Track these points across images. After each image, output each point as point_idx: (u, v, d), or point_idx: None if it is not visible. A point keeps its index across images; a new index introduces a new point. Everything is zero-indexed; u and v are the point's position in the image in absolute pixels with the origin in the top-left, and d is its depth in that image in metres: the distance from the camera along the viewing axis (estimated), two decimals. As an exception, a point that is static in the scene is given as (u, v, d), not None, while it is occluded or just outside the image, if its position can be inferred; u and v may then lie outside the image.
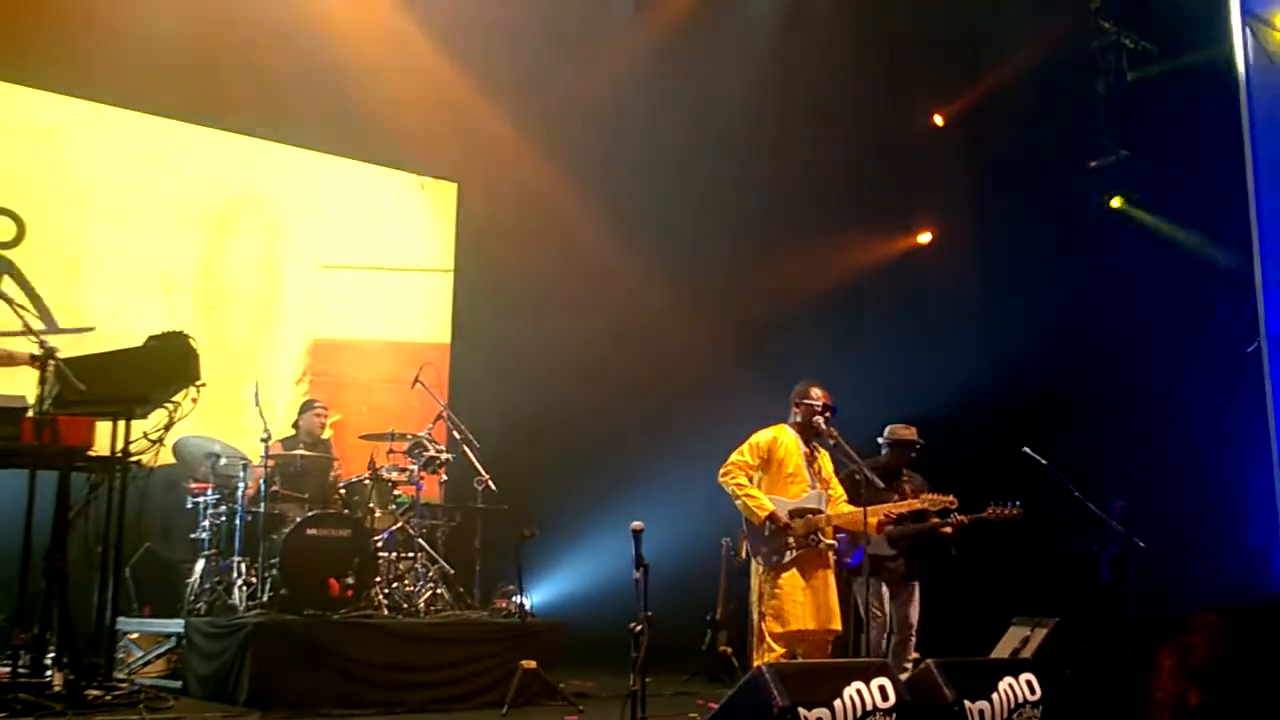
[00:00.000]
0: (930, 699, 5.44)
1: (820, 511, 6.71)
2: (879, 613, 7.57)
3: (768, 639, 6.60)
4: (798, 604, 6.57)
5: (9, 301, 5.61)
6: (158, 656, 7.88)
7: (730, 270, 11.98)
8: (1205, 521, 9.43)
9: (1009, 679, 5.73)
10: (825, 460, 7.04)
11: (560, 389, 11.41)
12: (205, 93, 10.21)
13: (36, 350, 5.39)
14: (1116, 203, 11.31)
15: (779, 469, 6.81)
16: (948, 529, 7.60)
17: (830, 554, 6.78)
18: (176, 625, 7.73)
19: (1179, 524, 9.43)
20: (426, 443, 8.89)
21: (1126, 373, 10.59)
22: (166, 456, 8.23)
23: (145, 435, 5.72)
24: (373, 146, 11.34)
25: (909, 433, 7.86)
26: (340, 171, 11.33)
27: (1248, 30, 9.15)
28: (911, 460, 7.85)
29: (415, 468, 8.76)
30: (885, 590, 7.62)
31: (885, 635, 7.53)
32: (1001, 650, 7.93)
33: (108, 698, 5.12)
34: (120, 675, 6.53)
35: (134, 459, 5.64)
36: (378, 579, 8.20)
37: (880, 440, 7.88)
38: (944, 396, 11.73)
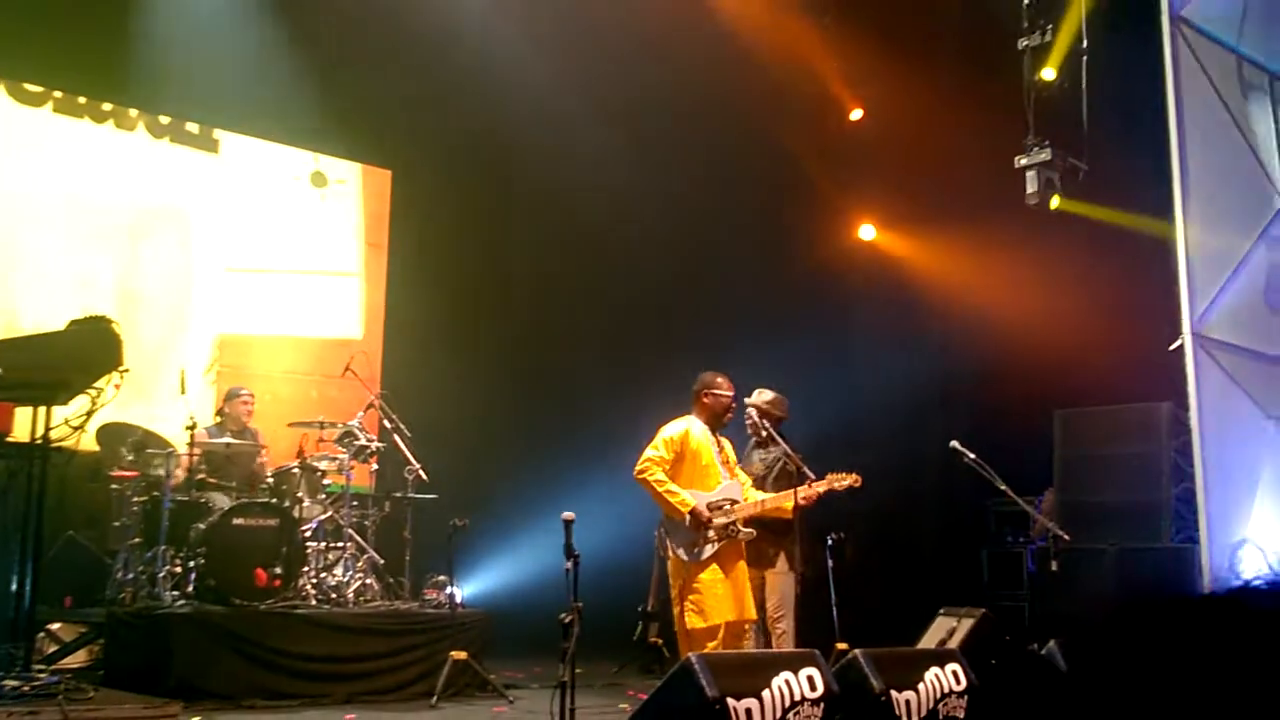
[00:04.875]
0: (857, 689, 5.48)
1: (737, 501, 6.72)
2: None
3: (691, 633, 6.60)
4: (719, 597, 6.56)
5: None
6: (79, 647, 7.75)
7: (654, 264, 12.00)
8: (1128, 517, 9.58)
9: (935, 669, 5.79)
10: (729, 449, 7.06)
11: (493, 379, 11.39)
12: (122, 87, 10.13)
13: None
14: (1056, 202, 11.43)
15: (694, 461, 6.77)
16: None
17: (744, 543, 6.81)
18: (98, 615, 7.60)
19: (1103, 518, 9.60)
20: (357, 431, 8.81)
21: (1055, 370, 10.74)
22: (89, 444, 8.12)
23: (67, 421, 5.58)
24: (291, 131, 11.24)
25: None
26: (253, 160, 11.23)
27: (1177, 31, 9.29)
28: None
29: (345, 456, 8.67)
30: None
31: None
32: (928, 641, 8.01)
33: (26, 688, 5.00)
34: (40, 666, 6.40)
35: (55, 445, 5.51)
36: (306, 569, 8.11)
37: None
38: (874, 396, 11.89)
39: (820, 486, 6.86)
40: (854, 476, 6.90)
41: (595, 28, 11.00)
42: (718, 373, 7.02)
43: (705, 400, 6.94)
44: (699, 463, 6.77)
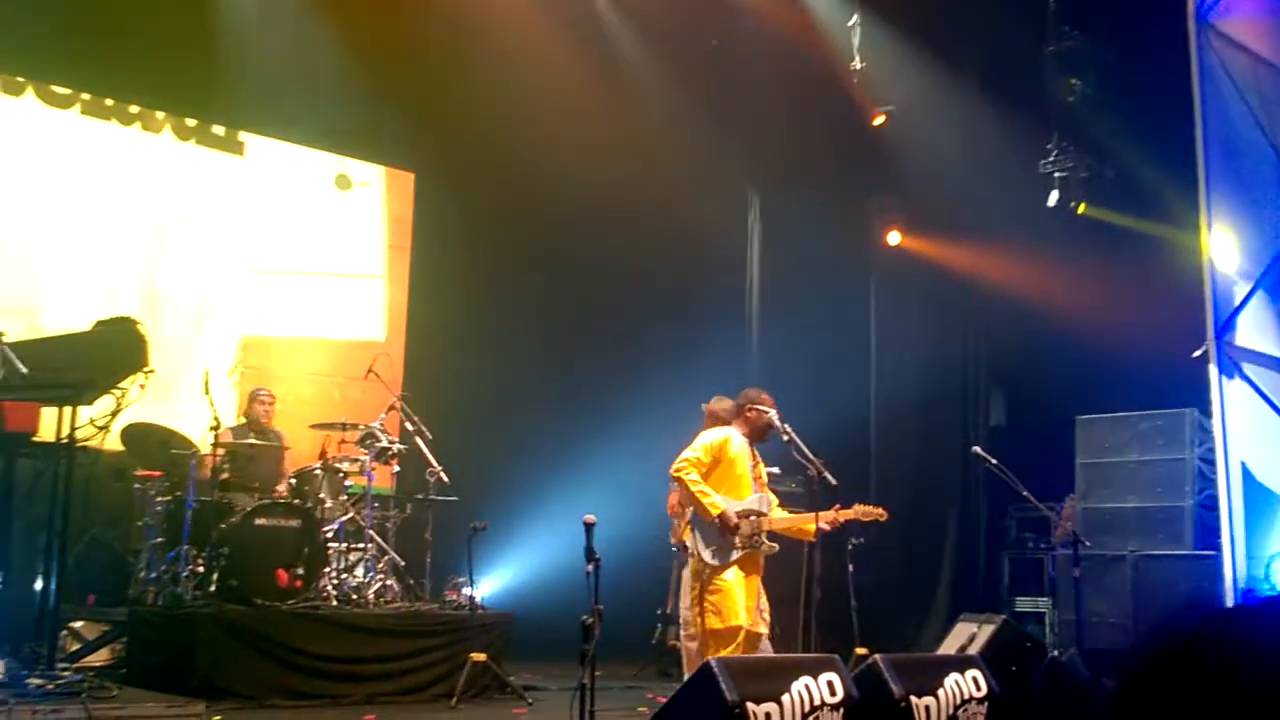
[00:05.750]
0: (877, 694, 5.48)
1: (764, 514, 6.78)
2: None
3: (708, 635, 6.63)
4: (738, 601, 6.63)
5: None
6: (101, 645, 7.79)
7: (675, 268, 12.01)
8: (1150, 524, 9.53)
9: (955, 675, 5.78)
10: (762, 467, 7.13)
11: (514, 382, 11.41)
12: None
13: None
14: (1082, 207, 11.38)
15: (728, 469, 6.86)
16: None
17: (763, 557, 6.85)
18: (121, 614, 7.64)
19: (1125, 525, 9.56)
20: (378, 433, 8.83)
21: (1078, 376, 10.70)
22: (114, 444, 8.19)
23: (92, 421, 5.63)
24: (316, 134, 11.31)
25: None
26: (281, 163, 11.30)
27: (1203, 37, 9.24)
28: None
29: (367, 458, 8.70)
30: None
31: None
32: (949, 646, 8.00)
33: (50, 686, 5.04)
34: (63, 664, 6.45)
35: (80, 445, 5.55)
36: (327, 570, 8.13)
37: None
38: (896, 401, 11.85)
39: (846, 515, 6.92)
40: (880, 510, 6.96)
41: (618, 31, 11.03)
42: (762, 390, 7.13)
43: (749, 415, 7.01)
44: (733, 471, 6.85)
